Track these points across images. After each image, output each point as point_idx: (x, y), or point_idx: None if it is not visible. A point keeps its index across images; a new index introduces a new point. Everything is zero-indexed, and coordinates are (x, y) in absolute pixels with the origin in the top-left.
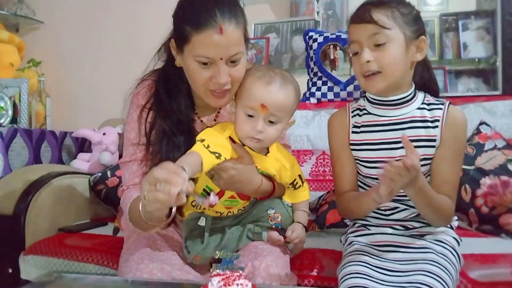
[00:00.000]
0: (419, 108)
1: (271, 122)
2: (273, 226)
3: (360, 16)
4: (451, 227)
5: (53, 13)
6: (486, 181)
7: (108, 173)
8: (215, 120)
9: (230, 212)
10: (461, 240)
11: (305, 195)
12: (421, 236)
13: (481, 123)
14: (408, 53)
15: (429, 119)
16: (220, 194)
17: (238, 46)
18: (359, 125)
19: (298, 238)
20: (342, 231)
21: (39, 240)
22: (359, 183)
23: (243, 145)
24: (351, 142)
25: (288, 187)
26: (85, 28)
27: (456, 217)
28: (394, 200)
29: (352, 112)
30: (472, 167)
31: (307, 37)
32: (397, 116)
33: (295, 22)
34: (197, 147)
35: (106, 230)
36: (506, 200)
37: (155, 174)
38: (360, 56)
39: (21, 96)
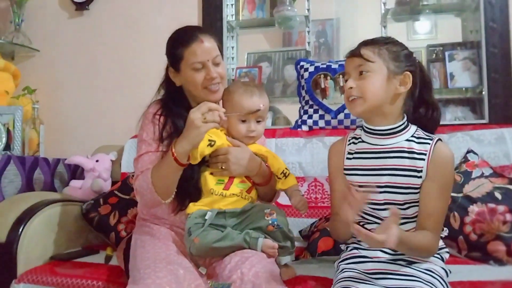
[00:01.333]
0: (407, 140)
1: (259, 121)
2: (270, 222)
3: (351, 52)
4: (441, 258)
5: (49, 41)
6: (474, 208)
7: (101, 200)
8: None
9: (239, 195)
10: (450, 272)
11: (294, 180)
12: (409, 264)
13: (468, 151)
14: (390, 84)
15: (416, 151)
16: (231, 180)
17: (216, 51)
18: (353, 152)
19: (301, 202)
20: (333, 259)
21: (30, 269)
22: None
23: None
24: (344, 167)
25: (279, 178)
26: (79, 57)
27: (447, 249)
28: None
29: (349, 140)
30: (460, 195)
31: (298, 66)
32: (386, 145)
33: (287, 51)
34: None
35: (98, 258)
36: (493, 227)
37: (208, 105)
38: (346, 84)
39: (15, 123)
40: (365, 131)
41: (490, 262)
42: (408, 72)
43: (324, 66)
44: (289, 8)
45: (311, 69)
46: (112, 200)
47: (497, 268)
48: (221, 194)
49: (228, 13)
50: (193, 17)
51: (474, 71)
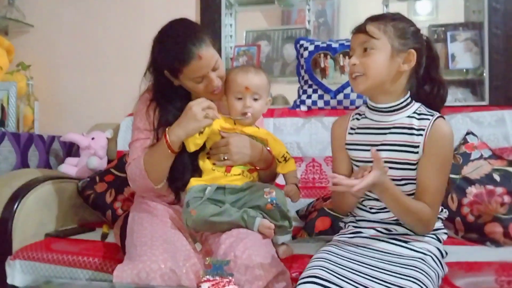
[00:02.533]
0: (409, 116)
1: (255, 99)
2: (269, 200)
3: (357, 28)
4: (438, 239)
5: (43, 16)
6: (472, 190)
7: (97, 178)
8: None
9: (241, 175)
10: (446, 253)
11: (293, 166)
12: (404, 242)
13: (468, 133)
14: (393, 62)
15: (416, 127)
16: (229, 169)
17: (214, 57)
18: (355, 127)
19: (292, 191)
20: (331, 238)
21: (26, 245)
22: None
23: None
24: (346, 142)
25: (279, 161)
26: (75, 33)
27: (445, 231)
28: (381, 201)
29: (353, 116)
30: (459, 176)
31: (298, 45)
32: (388, 121)
33: (287, 30)
34: None
35: (94, 236)
36: (491, 209)
37: (207, 103)
38: (350, 60)
39: (9, 99)
40: (368, 107)
41: (487, 243)
42: (413, 50)
43: (324, 45)
44: None
45: (311, 48)
46: (108, 178)
47: (494, 249)
48: (223, 173)
49: None
50: None
51: (476, 52)
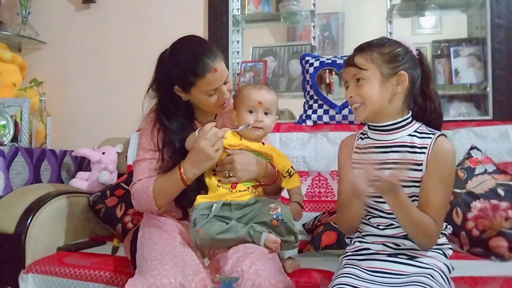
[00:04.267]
0: (410, 135)
1: (266, 114)
2: (274, 216)
3: (347, 61)
4: (444, 254)
5: (56, 34)
6: (476, 204)
7: (108, 192)
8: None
9: (246, 191)
10: (453, 268)
11: (298, 182)
12: (411, 258)
13: (472, 148)
14: (386, 87)
15: (418, 146)
16: (234, 185)
17: (226, 71)
18: (361, 147)
19: (294, 211)
20: (337, 253)
21: (38, 259)
22: None
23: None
24: (352, 161)
25: (284, 176)
26: (86, 49)
27: (450, 246)
28: (388, 218)
29: (357, 136)
30: (463, 191)
31: (303, 61)
32: (389, 140)
33: (292, 46)
34: None
35: (105, 249)
36: (496, 223)
37: (216, 133)
38: (346, 93)
39: (22, 115)
40: (369, 127)
41: (492, 257)
42: (403, 72)
43: (329, 61)
44: (295, 3)
45: (316, 64)
46: (118, 192)
47: (499, 263)
48: (228, 189)
49: (234, 7)
50: (199, 11)
51: (479, 68)
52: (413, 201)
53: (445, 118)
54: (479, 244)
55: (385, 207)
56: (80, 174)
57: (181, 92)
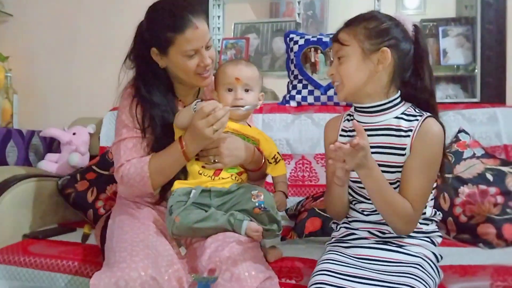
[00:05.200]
0: (396, 118)
1: (246, 90)
2: (256, 204)
3: (333, 36)
4: (433, 242)
5: (23, 6)
6: (464, 189)
7: (78, 176)
8: None
9: (230, 178)
10: (441, 257)
11: (284, 169)
12: (399, 247)
13: (460, 131)
14: (366, 64)
15: (404, 129)
16: (217, 173)
17: (208, 34)
18: (347, 129)
19: (279, 202)
20: (321, 240)
21: (1, 248)
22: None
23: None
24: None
25: (270, 162)
26: (56, 23)
27: (439, 233)
28: (372, 203)
29: (344, 117)
30: (451, 175)
31: (288, 39)
32: (375, 123)
33: (276, 23)
34: None
35: (75, 237)
36: (484, 209)
37: (216, 115)
38: (328, 71)
39: None
40: (355, 109)
41: (480, 245)
42: (385, 48)
43: (315, 39)
44: None
45: (301, 42)
46: (90, 176)
47: (487, 251)
48: (210, 177)
49: None
50: None
51: (468, 48)
52: (398, 187)
53: None
54: (467, 230)
55: (357, 207)
56: (49, 156)
57: (158, 56)
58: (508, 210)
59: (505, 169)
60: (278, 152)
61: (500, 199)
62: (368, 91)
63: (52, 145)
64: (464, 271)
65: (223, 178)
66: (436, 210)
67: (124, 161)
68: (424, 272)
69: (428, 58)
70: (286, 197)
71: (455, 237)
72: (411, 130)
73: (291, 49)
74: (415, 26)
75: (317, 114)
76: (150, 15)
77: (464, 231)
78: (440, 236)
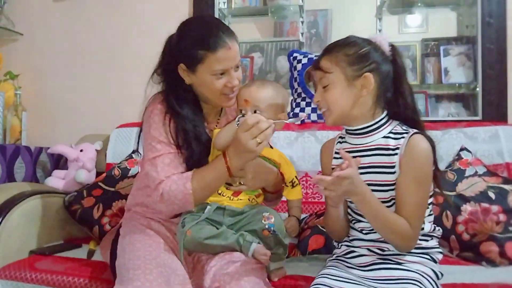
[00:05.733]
0: (384, 137)
1: (255, 112)
2: (266, 226)
3: (314, 64)
4: (433, 259)
5: (33, 25)
6: (467, 207)
7: (84, 192)
8: (216, 124)
9: (247, 200)
10: (442, 275)
11: (299, 194)
12: (398, 264)
13: (461, 149)
14: (351, 90)
15: (392, 147)
16: (236, 194)
17: (239, 55)
18: (339, 152)
19: (291, 228)
20: (324, 257)
21: (8, 264)
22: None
23: None
24: (332, 166)
25: (287, 185)
26: (65, 42)
27: (439, 250)
28: (367, 226)
29: (337, 140)
30: (453, 193)
31: (291, 57)
32: (364, 143)
33: (280, 42)
34: None
35: (81, 253)
36: (486, 227)
37: (259, 126)
38: (314, 97)
39: None
40: (346, 131)
41: (483, 263)
42: (368, 74)
43: None
44: None
45: (304, 60)
46: (96, 192)
47: (490, 269)
48: (229, 197)
49: (220, 0)
50: (184, 4)
51: (469, 67)
52: (393, 205)
53: (434, 118)
54: (470, 248)
55: (356, 226)
56: (56, 172)
57: (185, 72)
58: (510, 228)
59: (507, 187)
60: (296, 176)
61: (502, 217)
62: (355, 115)
63: (59, 161)
64: None
65: (240, 200)
66: (435, 225)
67: (163, 178)
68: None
69: (406, 76)
70: (299, 223)
71: (458, 255)
72: (398, 148)
73: (295, 68)
74: (391, 46)
75: (320, 132)
76: (182, 30)
77: (467, 249)
78: (440, 252)
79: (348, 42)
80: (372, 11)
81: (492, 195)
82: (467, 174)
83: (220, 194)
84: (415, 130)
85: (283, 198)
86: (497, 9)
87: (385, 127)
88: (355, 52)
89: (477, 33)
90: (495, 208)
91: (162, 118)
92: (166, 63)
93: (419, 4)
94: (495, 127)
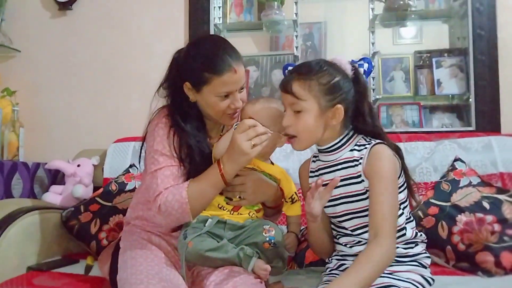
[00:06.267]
0: (351, 150)
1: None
2: (267, 239)
3: (284, 86)
4: (421, 265)
5: (31, 42)
6: (462, 218)
7: (81, 208)
8: (219, 139)
9: (247, 215)
10: (433, 281)
11: (299, 210)
12: (389, 274)
13: (456, 160)
14: (321, 119)
15: (357, 158)
16: (236, 209)
17: (244, 78)
18: (314, 170)
19: (290, 244)
20: (321, 270)
21: (6, 280)
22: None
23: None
24: (310, 185)
25: (286, 201)
26: (61, 58)
27: (427, 254)
28: (353, 236)
29: (311, 159)
30: (448, 204)
31: (286, 71)
32: (334, 160)
33: (275, 56)
34: None
35: (78, 268)
36: (481, 237)
37: (256, 130)
38: (283, 121)
39: None
40: (318, 149)
41: (478, 273)
42: (339, 105)
43: None
44: (277, 12)
45: None
46: (93, 208)
47: (486, 279)
48: (229, 211)
49: (215, 15)
50: (180, 19)
51: (461, 78)
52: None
53: (428, 129)
54: (466, 259)
55: (347, 225)
56: (54, 187)
57: (191, 91)
58: (505, 238)
59: (501, 197)
60: (295, 193)
61: (497, 227)
62: (323, 138)
63: (56, 177)
64: None
65: (240, 214)
66: (417, 231)
67: (162, 189)
68: None
69: (368, 93)
70: (298, 239)
71: (454, 265)
72: (361, 158)
73: None
74: (352, 66)
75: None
76: (190, 50)
77: (463, 259)
78: (428, 257)
79: (322, 70)
80: (365, 24)
81: (486, 205)
82: (461, 184)
83: (220, 208)
84: (378, 141)
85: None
86: (487, 21)
87: (351, 141)
88: (328, 82)
89: (469, 45)
90: (489, 218)
91: (166, 132)
92: (172, 79)
93: (413, 16)
94: (488, 137)
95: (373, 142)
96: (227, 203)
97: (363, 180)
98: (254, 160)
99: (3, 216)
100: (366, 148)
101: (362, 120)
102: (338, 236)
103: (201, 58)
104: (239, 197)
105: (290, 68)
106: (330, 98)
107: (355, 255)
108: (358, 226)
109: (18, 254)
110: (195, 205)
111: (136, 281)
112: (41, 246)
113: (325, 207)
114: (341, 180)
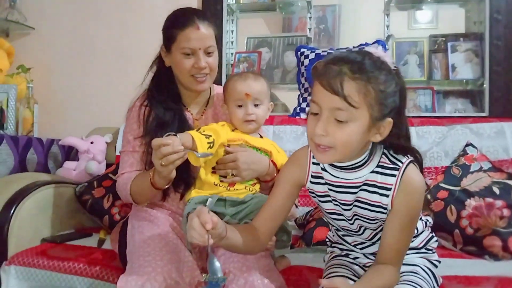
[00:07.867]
0: (372, 172)
1: (256, 105)
2: None
3: (331, 84)
4: (431, 250)
5: (45, 19)
6: (471, 202)
7: (95, 183)
8: (202, 114)
9: (244, 189)
10: (439, 262)
11: None
12: None
13: (467, 145)
14: (368, 134)
15: (382, 185)
16: (232, 185)
17: (210, 40)
18: (316, 175)
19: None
20: None
21: (21, 251)
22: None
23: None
24: (310, 190)
25: None
26: (76, 36)
27: (435, 238)
28: (362, 239)
29: (311, 159)
30: (458, 188)
31: (299, 53)
32: (351, 179)
33: (288, 37)
34: (190, 131)
35: (91, 242)
36: (490, 222)
37: (162, 151)
38: (316, 125)
39: (9, 102)
40: (333, 165)
41: (485, 257)
42: (391, 120)
43: (325, 53)
44: None
45: (312, 56)
46: (106, 183)
47: (493, 263)
48: (226, 187)
49: None
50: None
51: (476, 63)
52: (381, 230)
53: (440, 114)
54: (473, 242)
55: (360, 234)
56: (68, 163)
57: (164, 53)
58: None
59: (511, 182)
60: None
61: (506, 212)
62: (353, 155)
63: (70, 153)
64: (469, 281)
65: (237, 189)
66: (427, 219)
67: (119, 173)
68: (417, 277)
69: (406, 101)
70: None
71: (461, 249)
72: (389, 189)
73: (302, 63)
74: (395, 66)
75: None
76: (167, 17)
77: (470, 243)
78: (436, 241)
79: (379, 71)
80: (380, 7)
81: (496, 190)
82: (472, 169)
83: (216, 185)
84: (405, 162)
85: None
86: (505, 5)
87: (372, 160)
88: (386, 88)
89: (485, 30)
90: (499, 203)
91: (136, 115)
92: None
93: (428, 0)
94: (501, 123)
95: (401, 166)
96: (221, 181)
97: (387, 210)
98: (242, 135)
99: (18, 189)
100: (393, 175)
101: (396, 132)
102: (343, 235)
103: (169, 19)
104: (232, 174)
105: (303, 49)
106: (382, 108)
107: (360, 252)
108: (372, 234)
109: (32, 227)
110: (137, 198)
111: (144, 253)
112: (55, 219)
113: (338, 220)
114: (361, 202)
